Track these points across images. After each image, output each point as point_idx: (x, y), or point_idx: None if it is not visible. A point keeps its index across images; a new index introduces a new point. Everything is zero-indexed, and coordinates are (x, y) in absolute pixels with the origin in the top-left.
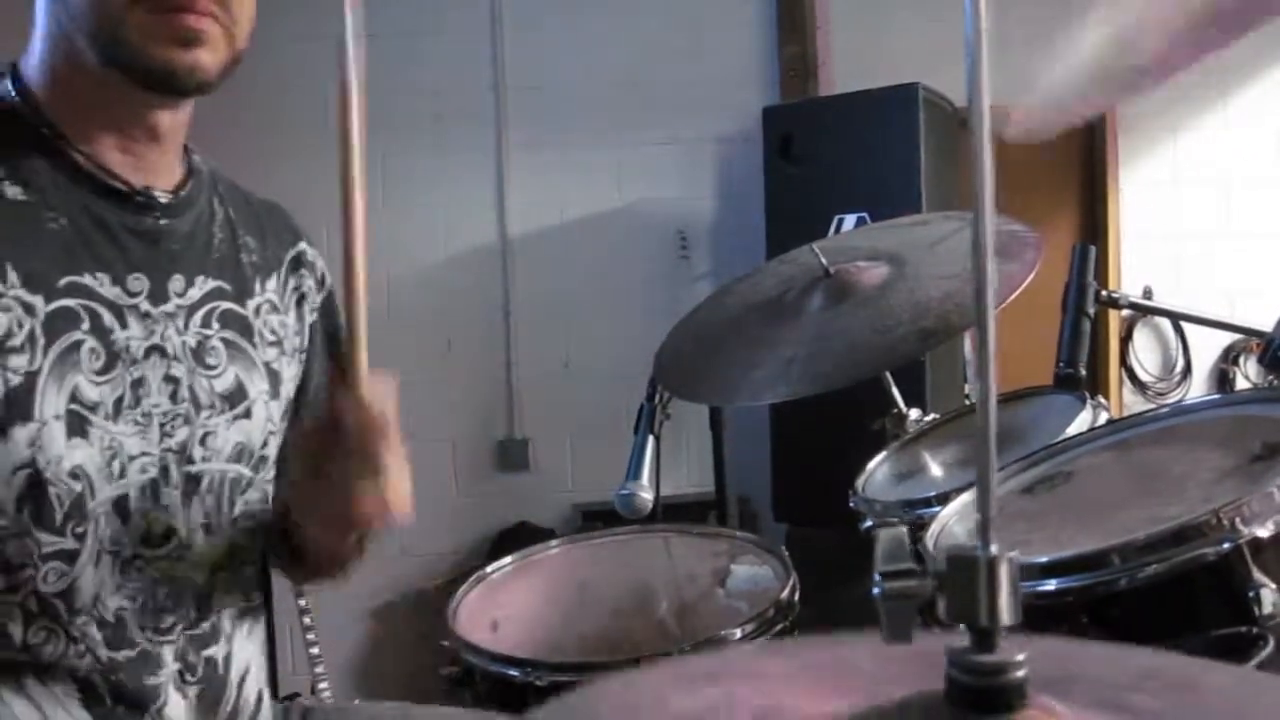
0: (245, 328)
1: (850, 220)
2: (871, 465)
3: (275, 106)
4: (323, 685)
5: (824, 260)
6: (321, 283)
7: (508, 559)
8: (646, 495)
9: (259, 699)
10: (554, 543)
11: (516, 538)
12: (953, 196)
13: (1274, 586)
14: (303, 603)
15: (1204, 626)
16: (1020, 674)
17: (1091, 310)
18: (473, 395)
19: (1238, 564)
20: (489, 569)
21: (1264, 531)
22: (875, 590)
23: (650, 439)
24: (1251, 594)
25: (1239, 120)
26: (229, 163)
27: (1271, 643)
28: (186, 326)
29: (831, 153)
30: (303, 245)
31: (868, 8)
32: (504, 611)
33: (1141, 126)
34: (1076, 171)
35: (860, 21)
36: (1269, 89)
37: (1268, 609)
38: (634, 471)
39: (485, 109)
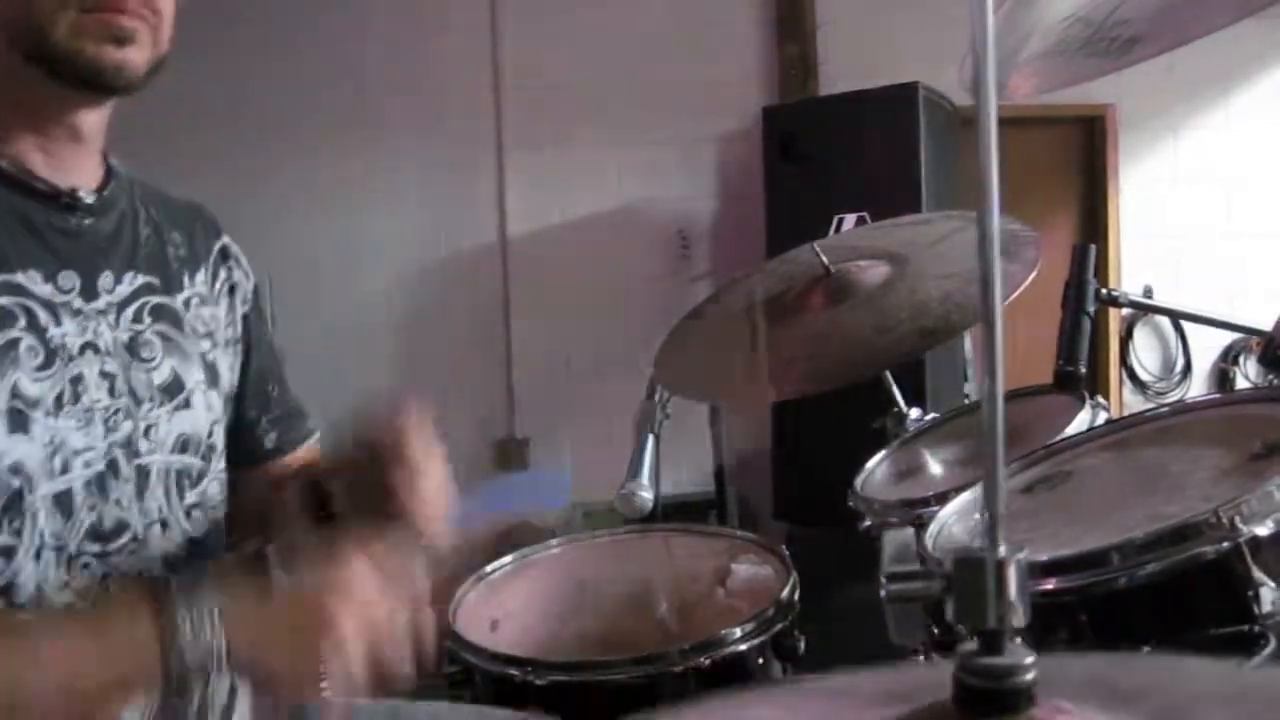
0: (176, 320)
1: (850, 220)
2: (870, 464)
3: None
4: (321, 684)
5: (824, 259)
6: (248, 274)
7: (507, 558)
8: (646, 495)
9: (231, 692)
10: (554, 542)
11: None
12: (952, 196)
13: (1274, 585)
14: None
15: (1203, 625)
16: (1029, 676)
17: (1091, 309)
18: (472, 395)
19: (1237, 562)
20: (488, 568)
21: (1263, 530)
22: (882, 591)
23: (650, 439)
24: (1251, 592)
25: (1240, 119)
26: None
27: (1272, 641)
28: (118, 322)
29: (831, 152)
30: (226, 239)
31: (868, 8)
32: (503, 611)
33: (1142, 125)
34: (1077, 170)
35: (860, 21)
36: (1269, 89)
37: (1267, 607)
38: (634, 471)
39: (485, 108)
